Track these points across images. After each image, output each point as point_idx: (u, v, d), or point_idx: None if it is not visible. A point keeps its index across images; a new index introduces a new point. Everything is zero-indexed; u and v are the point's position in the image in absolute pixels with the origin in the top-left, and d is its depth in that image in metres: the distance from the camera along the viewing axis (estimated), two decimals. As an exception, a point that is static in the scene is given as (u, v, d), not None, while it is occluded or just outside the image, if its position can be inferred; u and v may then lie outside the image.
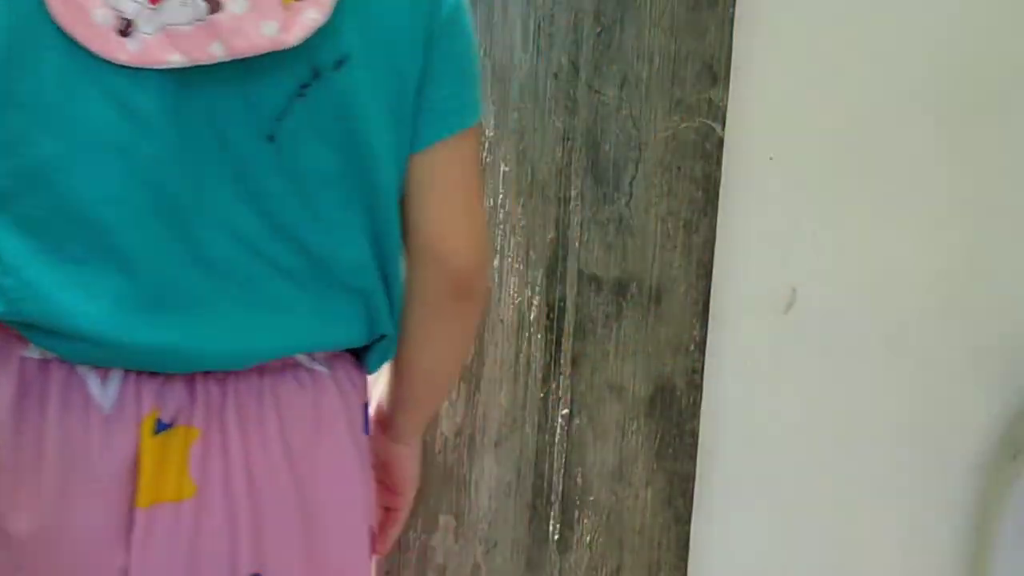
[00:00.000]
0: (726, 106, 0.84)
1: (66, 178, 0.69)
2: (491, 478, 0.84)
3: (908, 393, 0.96)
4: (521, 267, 0.82)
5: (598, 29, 0.81)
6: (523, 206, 0.81)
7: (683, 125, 0.84)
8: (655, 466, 0.87)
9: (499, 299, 0.82)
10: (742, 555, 0.95)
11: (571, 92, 0.81)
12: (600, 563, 0.87)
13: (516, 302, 0.82)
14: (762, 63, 0.88)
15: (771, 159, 0.89)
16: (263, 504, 0.73)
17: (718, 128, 0.84)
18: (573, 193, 0.82)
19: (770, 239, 0.91)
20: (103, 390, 0.73)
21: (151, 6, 0.68)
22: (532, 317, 0.83)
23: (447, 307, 0.80)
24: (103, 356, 0.72)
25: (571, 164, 0.82)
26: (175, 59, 0.68)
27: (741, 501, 0.94)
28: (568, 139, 0.82)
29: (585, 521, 0.86)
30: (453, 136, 0.76)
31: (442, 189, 0.79)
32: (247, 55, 0.68)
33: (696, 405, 0.88)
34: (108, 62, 0.68)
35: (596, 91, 0.82)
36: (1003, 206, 0.97)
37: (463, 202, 0.79)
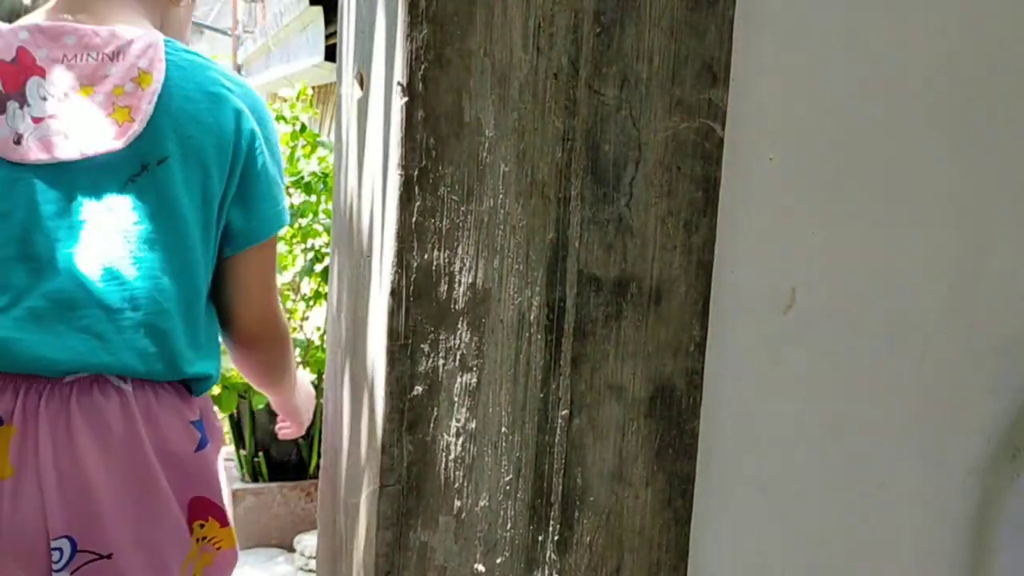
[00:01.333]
0: (726, 106, 0.84)
1: None
2: (491, 478, 0.84)
3: (908, 393, 0.96)
4: (521, 267, 0.82)
5: (598, 29, 0.81)
6: (523, 206, 0.81)
7: (683, 125, 0.84)
8: (655, 466, 0.87)
9: (499, 299, 0.82)
10: (742, 555, 0.95)
11: (571, 92, 0.81)
12: (600, 563, 0.87)
13: (516, 302, 0.82)
14: (762, 63, 0.88)
15: (771, 159, 0.89)
16: (69, 486, 0.96)
17: (718, 128, 0.84)
18: (573, 193, 0.82)
19: (770, 239, 0.91)
20: None
21: (34, 125, 1.01)
22: (532, 317, 0.83)
23: (245, 357, 1.18)
24: None
25: (571, 164, 0.82)
26: (45, 159, 1.00)
27: (741, 501, 0.93)
28: (568, 139, 0.82)
29: (585, 521, 0.86)
30: (249, 249, 1.09)
31: (240, 289, 1.11)
32: (92, 155, 1.00)
33: (696, 405, 0.88)
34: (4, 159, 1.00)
35: (596, 91, 0.82)
36: (1003, 206, 0.96)
37: (257, 299, 1.13)
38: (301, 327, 3.72)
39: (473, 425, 0.83)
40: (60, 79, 1.02)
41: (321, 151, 3.55)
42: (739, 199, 0.88)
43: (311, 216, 3.41)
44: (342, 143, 1.07)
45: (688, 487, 0.88)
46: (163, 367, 1.03)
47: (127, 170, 1.02)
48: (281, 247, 3.52)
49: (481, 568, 0.85)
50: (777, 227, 0.91)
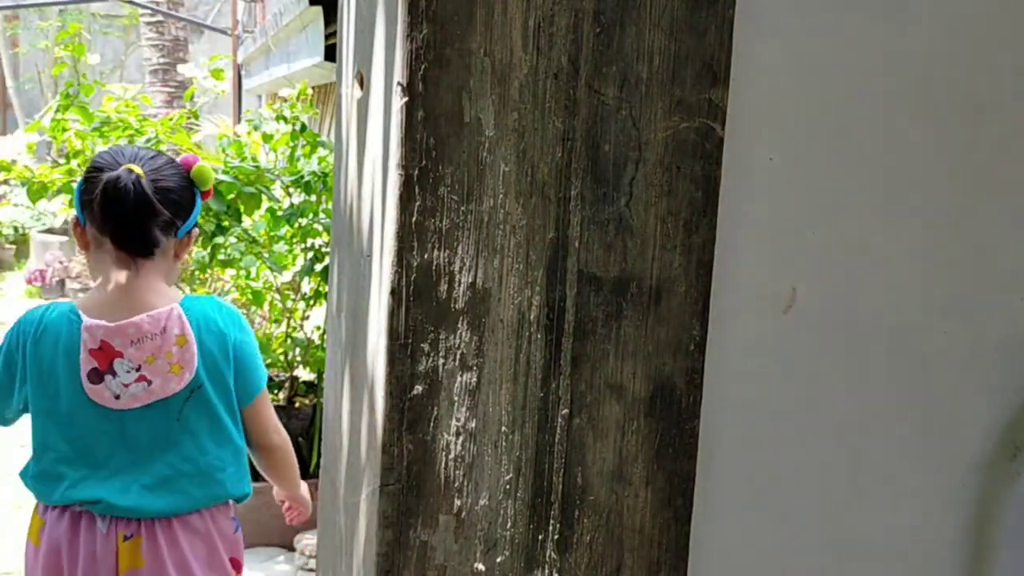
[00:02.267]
0: (726, 106, 0.84)
1: (95, 450, 1.77)
2: (491, 477, 0.84)
3: (908, 393, 0.96)
4: (521, 267, 0.82)
5: (598, 29, 0.81)
6: (523, 206, 0.81)
7: (683, 125, 0.84)
8: (655, 466, 0.87)
9: (499, 299, 0.82)
10: (742, 555, 0.95)
11: (571, 92, 0.81)
12: (600, 562, 0.87)
13: (516, 302, 0.82)
14: (762, 63, 0.88)
15: (771, 159, 0.89)
16: (177, 568, 1.78)
17: (718, 128, 0.84)
18: (573, 193, 0.82)
19: (770, 239, 0.91)
20: (102, 523, 1.76)
21: (124, 388, 1.73)
22: (532, 317, 0.83)
23: (266, 459, 1.96)
24: (102, 511, 1.76)
25: (571, 164, 0.82)
26: (137, 405, 1.75)
27: (741, 501, 0.94)
28: (568, 139, 0.82)
29: (585, 520, 0.86)
30: (253, 401, 1.87)
31: (251, 424, 1.89)
32: (163, 397, 1.75)
33: (696, 405, 0.88)
34: (108, 408, 1.76)
35: (596, 91, 0.82)
36: (1003, 206, 0.97)
37: (263, 427, 1.91)
38: (301, 327, 3.72)
39: (473, 424, 0.83)
40: (133, 356, 1.73)
41: (321, 151, 3.55)
42: (739, 199, 0.88)
43: (311, 216, 3.41)
44: (342, 143, 1.07)
45: (688, 486, 0.88)
46: (221, 498, 1.86)
47: (183, 397, 1.77)
48: (281, 247, 3.52)
49: (481, 567, 0.85)
50: (777, 227, 0.91)
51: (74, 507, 1.77)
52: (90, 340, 1.72)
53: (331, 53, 4.44)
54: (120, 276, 1.77)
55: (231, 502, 1.90)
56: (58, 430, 1.76)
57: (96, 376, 1.72)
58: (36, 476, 1.79)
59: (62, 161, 3.40)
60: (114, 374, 1.72)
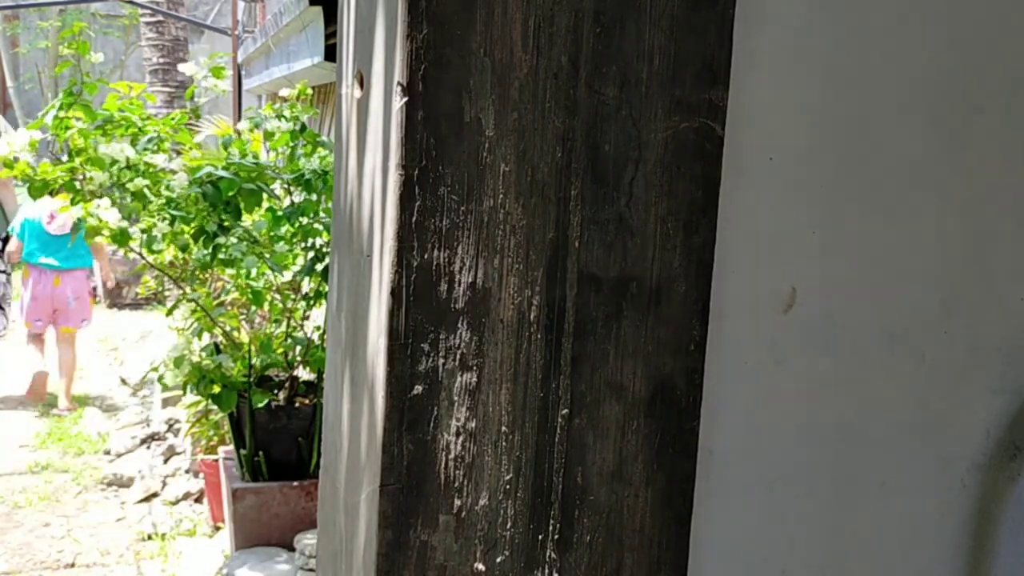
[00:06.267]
0: (726, 106, 0.84)
1: (46, 246, 6.46)
2: (491, 477, 0.84)
3: (908, 393, 0.96)
4: (521, 267, 0.82)
5: (598, 29, 0.81)
6: (523, 206, 0.81)
7: (683, 125, 0.84)
8: (655, 465, 0.87)
9: (499, 299, 0.82)
10: (742, 555, 0.95)
11: (571, 92, 0.81)
12: (600, 562, 0.87)
13: (516, 302, 0.82)
14: (762, 63, 0.88)
15: (771, 159, 0.89)
16: (71, 289, 6.42)
17: (718, 128, 0.84)
18: (573, 193, 0.82)
19: (770, 239, 0.91)
20: (48, 272, 6.42)
21: (58, 227, 6.44)
22: (532, 317, 0.83)
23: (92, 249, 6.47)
24: (48, 267, 6.42)
25: (571, 164, 0.82)
26: (60, 233, 6.41)
27: (741, 501, 0.94)
28: (568, 139, 0.82)
29: (585, 520, 0.86)
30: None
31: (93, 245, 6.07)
32: (65, 232, 6.33)
33: (696, 405, 0.88)
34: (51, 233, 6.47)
35: (596, 91, 0.82)
36: (1003, 206, 0.97)
37: (93, 244, 5.80)
38: (301, 327, 3.72)
39: (473, 424, 0.83)
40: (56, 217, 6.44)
41: (322, 151, 3.55)
42: (739, 199, 0.88)
43: (312, 215, 3.41)
44: (342, 143, 1.07)
45: (688, 486, 0.88)
46: (86, 264, 6.55)
47: (69, 234, 5.74)
48: (281, 246, 3.53)
49: (481, 567, 0.85)
50: (777, 227, 0.91)
51: (39, 265, 6.19)
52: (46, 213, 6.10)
53: (331, 53, 4.44)
54: None
55: (87, 269, 6.40)
56: (35, 237, 6.16)
57: (49, 223, 6.11)
58: (26, 255, 6.16)
59: (64, 159, 3.40)
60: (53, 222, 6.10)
